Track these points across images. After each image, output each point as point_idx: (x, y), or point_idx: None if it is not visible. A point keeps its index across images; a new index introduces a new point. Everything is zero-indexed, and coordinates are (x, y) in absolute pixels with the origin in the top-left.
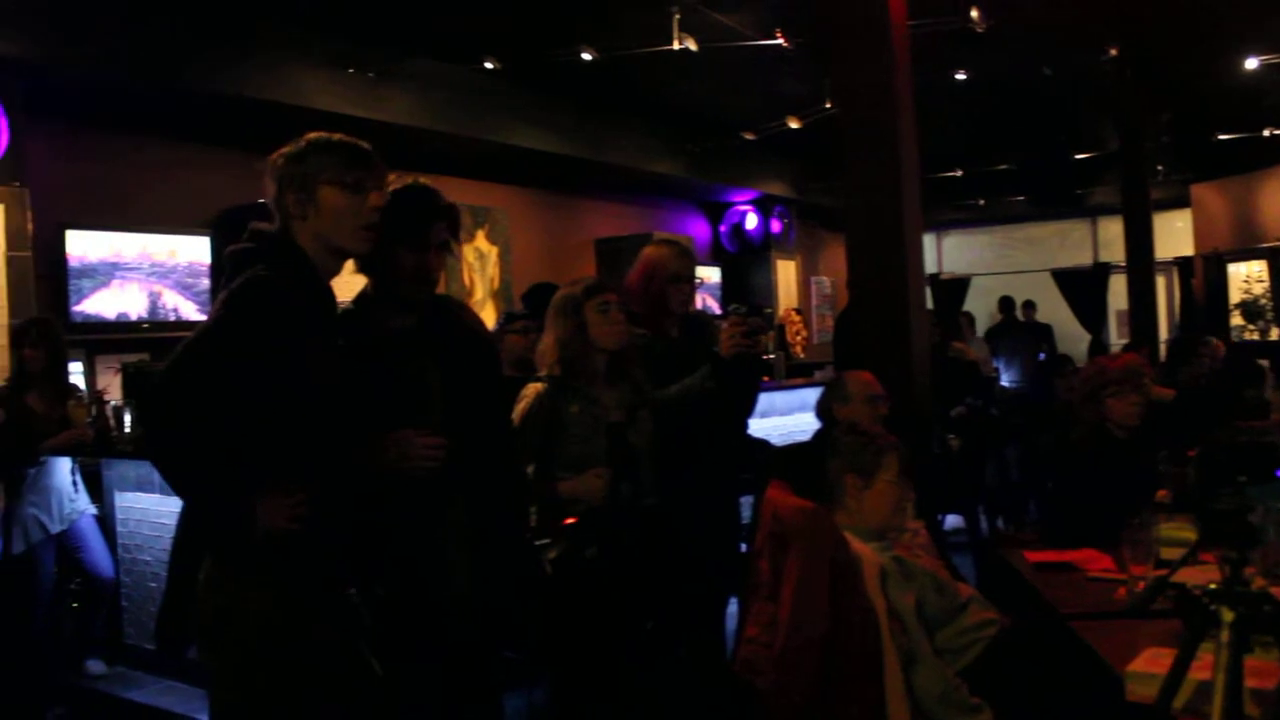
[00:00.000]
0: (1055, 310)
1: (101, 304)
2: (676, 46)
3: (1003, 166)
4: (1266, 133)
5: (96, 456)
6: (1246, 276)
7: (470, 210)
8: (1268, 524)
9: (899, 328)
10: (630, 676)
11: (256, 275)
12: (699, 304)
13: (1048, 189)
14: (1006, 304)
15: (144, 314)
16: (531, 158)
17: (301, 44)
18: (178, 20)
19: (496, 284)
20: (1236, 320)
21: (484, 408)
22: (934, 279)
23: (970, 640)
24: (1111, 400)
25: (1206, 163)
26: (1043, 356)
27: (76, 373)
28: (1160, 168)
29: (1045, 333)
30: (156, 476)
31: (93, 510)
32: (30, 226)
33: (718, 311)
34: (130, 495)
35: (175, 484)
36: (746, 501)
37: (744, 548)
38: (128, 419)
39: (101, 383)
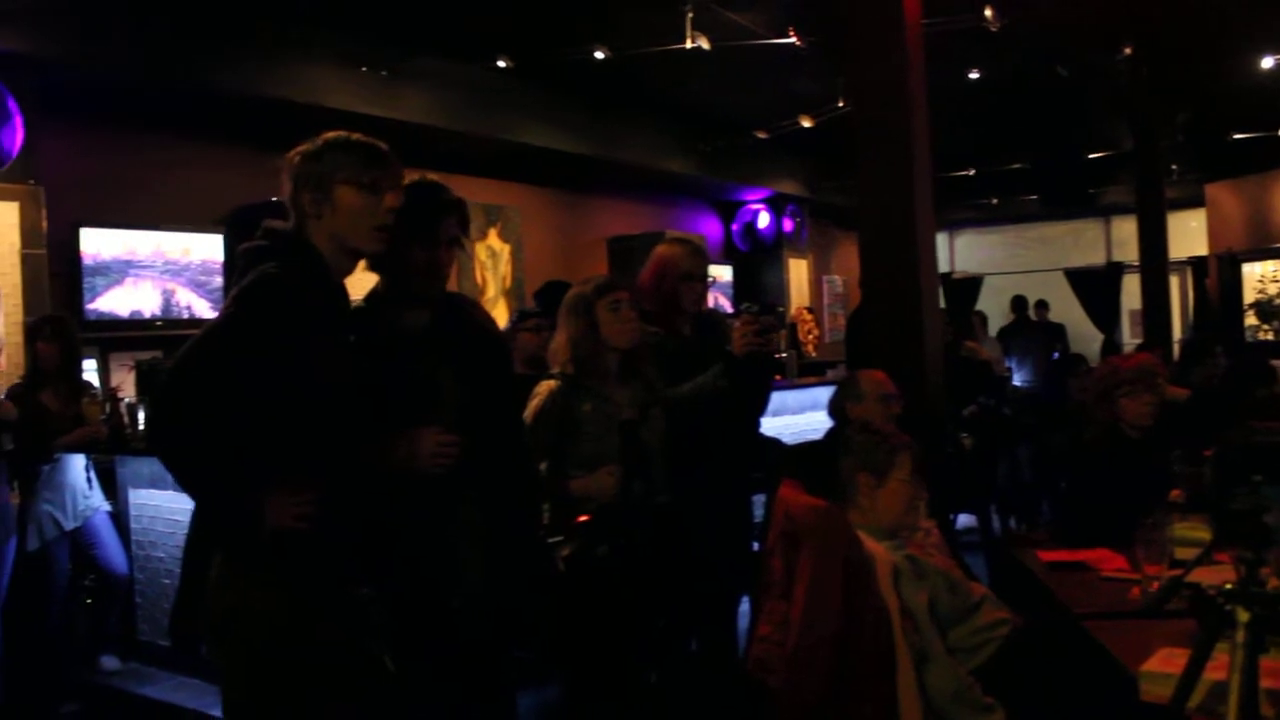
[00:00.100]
0: (1068, 310)
1: (115, 302)
2: (689, 45)
3: (1016, 165)
4: None
5: (110, 453)
6: (1261, 276)
7: (483, 208)
8: None
9: (912, 327)
10: (642, 674)
11: (267, 273)
12: (711, 302)
13: (1061, 188)
14: (1019, 303)
15: (157, 312)
16: (544, 156)
17: (315, 42)
18: (191, 19)
19: (509, 282)
20: (1251, 320)
21: (496, 406)
22: (946, 278)
23: (983, 639)
24: (1125, 400)
25: (1221, 162)
26: (1056, 356)
27: (90, 370)
28: (1174, 167)
29: (1058, 332)
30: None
31: (107, 507)
32: (45, 224)
33: (729, 310)
34: (144, 492)
35: (182, 481)
36: (758, 500)
37: (756, 546)
38: (142, 416)
39: (115, 380)
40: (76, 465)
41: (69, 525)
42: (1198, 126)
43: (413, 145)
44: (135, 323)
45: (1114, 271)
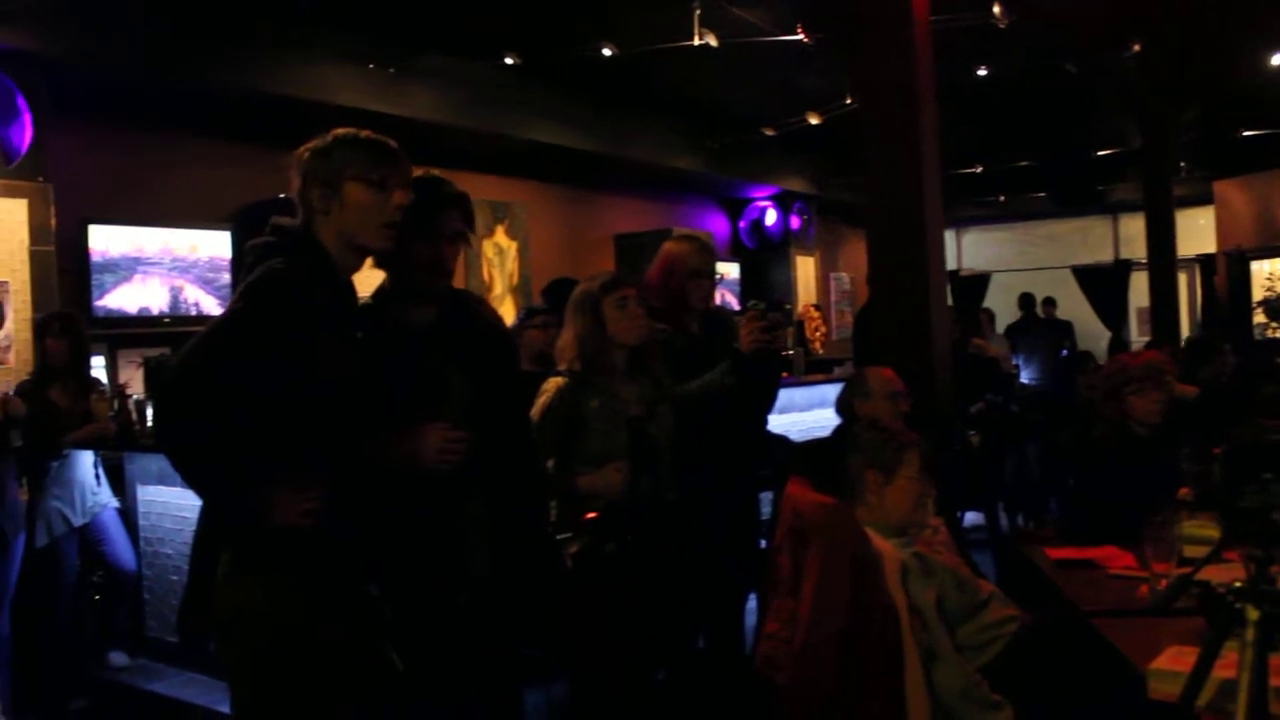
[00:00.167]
0: (1075, 307)
1: (123, 298)
2: (697, 42)
3: (1024, 163)
4: None
5: (118, 450)
6: (1270, 274)
7: (490, 205)
8: None
9: (920, 324)
10: (650, 672)
11: (274, 269)
12: (718, 300)
13: (1069, 185)
14: (1027, 301)
15: (165, 309)
16: (551, 153)
17: (321, 40)
18: (199, 17)
19: (516, 279)
20: (1259, 318)
21: (503, 403)
22: (954, 275)
23: (991, 637)
24: (1134, 397)
25: (1230, 159)
26: (1064, 353)
27: (98, 367)
28: (1183, 164)
29: (1066, 330)
30: None
31: (115, 504)
32: (53, 221)
33: (737, 307)
34: (152, 489)
35: (188, 477)
36: (765, 498)
37: (763, 544)
38: (149, 413)
39: (123, 377)
40: (85, 462)
41: (78, 521)
42: (1206, 124)
43: (420, 142)
44: (143, 319)
45: (1122, 269)
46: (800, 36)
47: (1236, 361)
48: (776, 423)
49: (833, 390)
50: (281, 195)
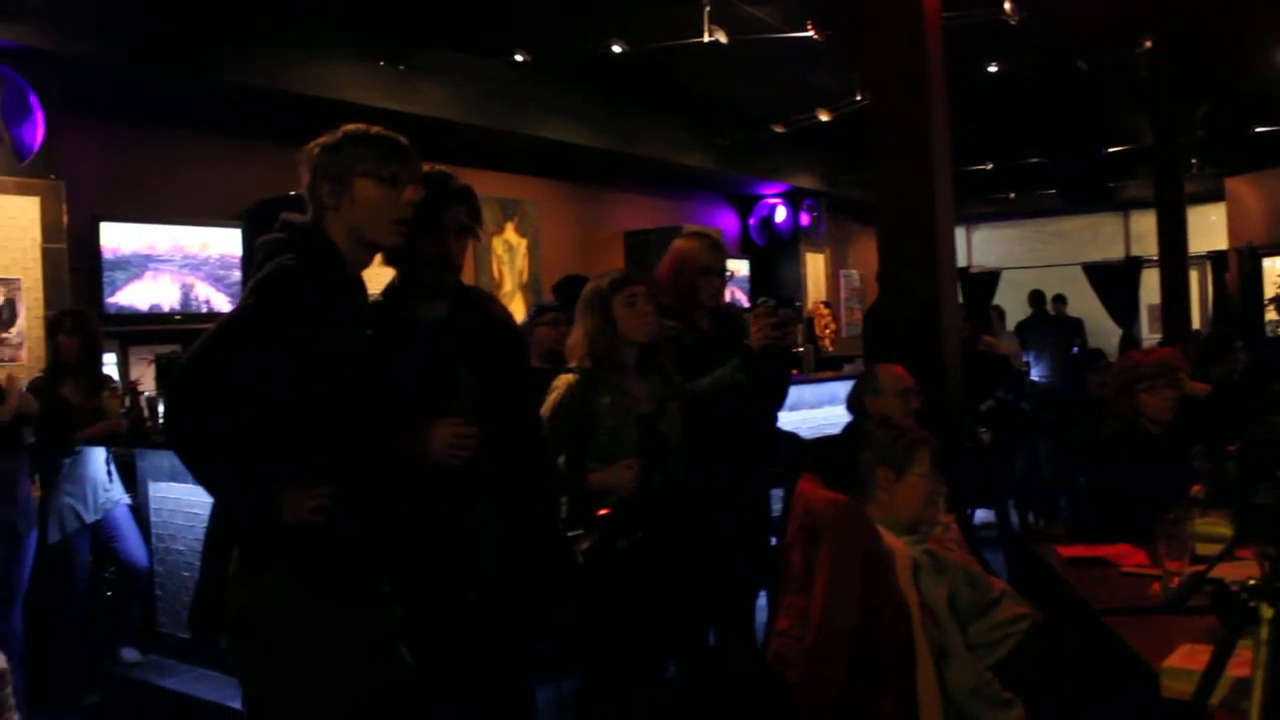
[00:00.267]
0: (1086, 305)
1: (135, 295)
2: (707, 39)
3: (1034, 160)
4: None
5: (130, 447)
6: None
7: (500, 202)
8: None
9: (930, 321)
10: (660, 668)
11: (283, 265)
12: (728, 297)
13: (1079, 182)
14: (1037, 298)
15: (176, 306)
16: (561, 150)
17: (332, 37)
18: (209, 15)
19: (525, 276)
20: (1271, 315)
21: (513, 399)
22: (964, 273)
23: (1003, 635)
24: (1146, 395)
25: (1242, 156)
26: (1075, 350)
27: (110, 364)
28: (1194, 161)
29: (1076, 327)
30: None
31: (127, 500)
32: (65, 219)
33: (746, 305)
34: (164, 485)
35: (197, 474)
36: (776, 495)
37: (774, 541)
38: (161, 410)
39: (135, 374)
40: (97, 458)
41: (90, 518)
42: (1218, 120)
43: (430, 139)
44: (154, 316)
45: (1133, 266)
46: (810, 33)
47: (1248, 359)
48: (786, 420)
49: (842, 388)
50: (292, 193)
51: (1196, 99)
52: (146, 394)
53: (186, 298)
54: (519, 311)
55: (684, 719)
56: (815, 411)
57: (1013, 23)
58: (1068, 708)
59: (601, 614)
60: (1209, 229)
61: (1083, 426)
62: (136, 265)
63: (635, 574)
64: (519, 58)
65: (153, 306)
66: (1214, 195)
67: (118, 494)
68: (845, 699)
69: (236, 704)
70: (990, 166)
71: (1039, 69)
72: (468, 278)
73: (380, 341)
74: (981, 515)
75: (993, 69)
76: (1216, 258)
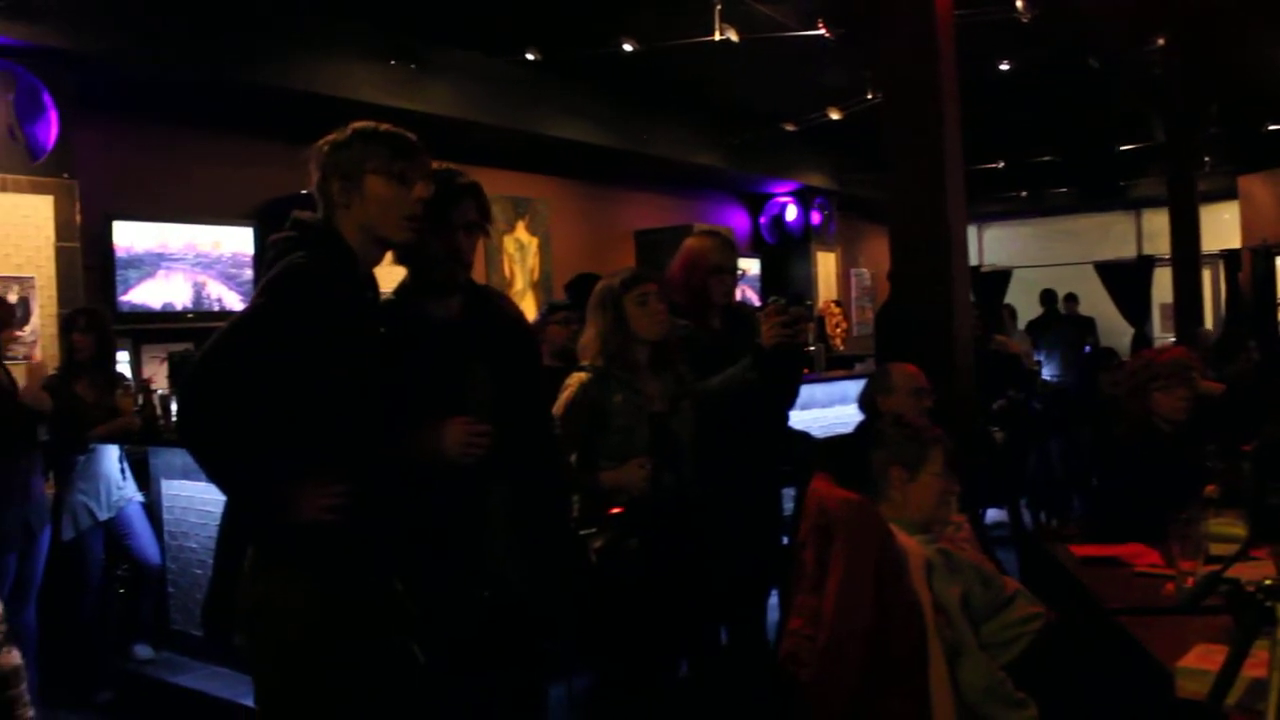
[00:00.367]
0: (1098, 303)
1: (147, 294)
2: (717, 37)
3: (1046, 158)
4: None
5: (143, 445)
6: None
7: (511, 201)
8: None
9: (941, 320)
10: (673, 667)
11: (295, 263)
12: (738, 295)
13: (1091, 181)
14: (1048, 297)
15: (189, 304)
16: (572, 149)
17: (344, 35)
18: (221, 14)
19: (536, 275)
20: None
21: (525, 398)
22: (975, 271)
23: (1016, 634)
24: (1159, 394)
25: (1255, 154)
26: (1087, 349)
27: (123, 362)
28: (1207, 159)
29: (1088, 326)
30: None
31: (140, 498)
32: (78, 217)
33: (757, 303)
34: (177, 483)
35: (209, 472)
36: (787, 494)
37: (785, 540)
38: (174, 408)
39: (147, 372)
40: (110, 456)
41: (103, 515)
42: (1230, 118)
43: (440, 138)
44: (167, 315)
45: (1145, 265)
46: (821, 31)
47: (1261, 358)
48: (798, 419)
49: (854, 386)
50: (304, 191)
51: (1209, 97)
52: (159, 392)
53: (199, 296)
54: (530, 310)
55: (696, 718)
56: (827, 410)
57: (1025, 20)
58: (1081, 708)
59: (613, 612)
60: (1222, 227)
61: (1095, 426)
62: (149, 264)
63: (647, 572)
64: (530, 56)
65: (165, 305)
66: (1227, 193)
67: (131, 491)
68: (858, 698)
69: (249, 701)
70: (1002, 165)
71: (1051, 67)
72: (479, 276)
73: (393, 339)
74: (993, 515)
75: (1005, 67)
76: (1229, 256)
